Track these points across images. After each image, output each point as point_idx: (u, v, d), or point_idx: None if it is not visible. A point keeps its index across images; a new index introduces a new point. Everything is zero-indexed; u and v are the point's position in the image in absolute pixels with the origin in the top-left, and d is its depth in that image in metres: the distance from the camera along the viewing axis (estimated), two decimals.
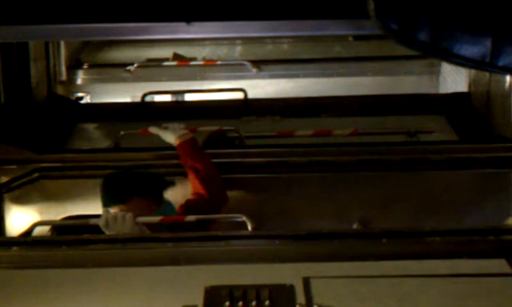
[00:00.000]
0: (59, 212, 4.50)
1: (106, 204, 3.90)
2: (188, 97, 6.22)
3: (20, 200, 4.61)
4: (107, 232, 3.67)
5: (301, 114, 5.46)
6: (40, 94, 5.59)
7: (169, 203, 4.06)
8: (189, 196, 4.22)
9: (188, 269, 2.79)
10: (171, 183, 4.15)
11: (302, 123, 5.21)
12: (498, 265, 2.73)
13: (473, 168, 4.62)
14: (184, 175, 4.34)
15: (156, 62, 6.56)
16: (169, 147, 4.42)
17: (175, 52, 6.76)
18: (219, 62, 6.53)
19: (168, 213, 3.97)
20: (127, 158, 4.63)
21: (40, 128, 5.18)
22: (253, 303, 2.43)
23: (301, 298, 2.48)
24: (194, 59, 6.68)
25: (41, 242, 3.17)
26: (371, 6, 2.44)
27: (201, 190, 4.19)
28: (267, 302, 2.43)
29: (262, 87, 6.33)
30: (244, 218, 3.66)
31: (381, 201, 4.59)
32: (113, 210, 3.81)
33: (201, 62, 6.57)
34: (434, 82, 6.42)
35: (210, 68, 6.49)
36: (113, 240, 3.07)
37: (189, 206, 4.12)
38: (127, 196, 3.91)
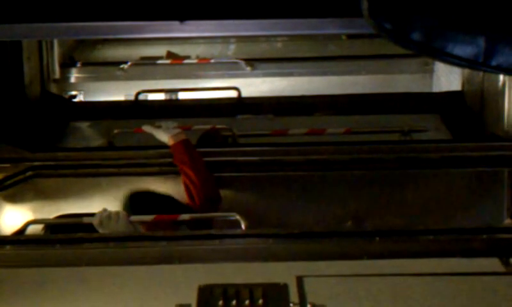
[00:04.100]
0: (53, 210, 4.49)
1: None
2: (182, 95, 6.21)
3: (14, 199, 4.60)
4: (100, 231, 3.66)
5: (294, 113, 5.46)
6: (33, 92, 5.58)
7: None
8: (183, 198, 4.22)
9: (182, 268, 2.79)
10: (186, 208, 4.15)
11: (296, 122, 5.21)
12: (491, 263, 2.74)
13: (466, 166, 4.62)
14: (178, 174, 4.33)
15: (150, 61, 6.55)
16: (163, 145, 4.42)
17: (168, 50, 6.76)
18: (213, 61, 6.53)
19: None
20: (121, 157, 4.62)
21: (33, 127, 5.17)
22: (247, 302, 2.43)
23: (294, 297, 2.48)
24: (188, 57, 6.67)
25: (34, 240, 3.16)
26: (365, 5, 2.44)
27: (194, 193, 4.19)
28: (260, 301, 2.43)
29: (255, 86, 6.33)
30: (238, 217, 3.66)
31: (375, 199, 4.59)
32: None
33: (195, 61, 6.56)
34: (427, 81, 6.42)
35: (204, 66, 6.48)
36: (107, 239, 3.06)
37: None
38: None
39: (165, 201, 4.13)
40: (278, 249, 2.91)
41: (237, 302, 2.43)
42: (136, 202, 4.04)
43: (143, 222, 3.83)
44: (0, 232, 4.54)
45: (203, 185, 4.21)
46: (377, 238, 2.93)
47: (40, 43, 5.71)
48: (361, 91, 6.03)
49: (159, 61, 6.54)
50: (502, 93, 4.85)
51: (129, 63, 6.43)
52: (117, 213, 3.71)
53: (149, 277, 2.72)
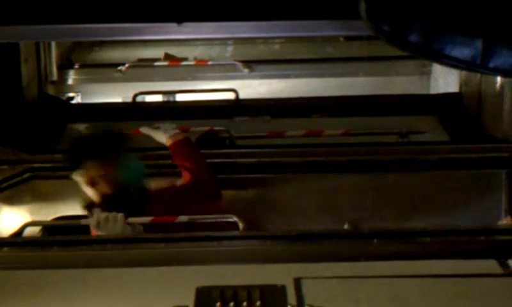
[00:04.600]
0: (50, 212, 4.49)
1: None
2: (179, 97, 6.22)
3: (11, 200, 4.60)
4: (98, 233, 3.66)
5: (292, 115, 5.47)
6: (31, 94, 5.58)
7: (135, 161, 4.06)
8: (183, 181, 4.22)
9: (179, 270, 2.79)
10: (127, 138, 4.12)
11: (293, 124, 5.21)
12: (489, 265, 2.74)
13: (464, 168, 4.63)
14: (178, 175, 4.33)
15: (147, 63, 6.56)
16: (161, 147, 4.42)
17: (166, 52, 6.76)
18: (210, 63, 6.53)
19: (137, 170, 3.96)
20: None
21: (30, 128, 5.17)
22: (244, 303, 2.42)
23: (292, 298, 2.48)
24: (185, 59, 6.68)
25: (32, 242, 3.16)
26: (363, 7, 2.44)
27: (190, 179, 4.19)
28: (258, 303, 2.43)
29: (253, 88, 6.33)
30: (235, 218, 3.65)
31: (372, 201, 4.59)
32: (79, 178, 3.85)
33: (193, 63, 6.56)
34: (425, 83, 6.43)
35: (202, 68, 6.49)
36: (104, 241, 3.06)
37: (182, 190, 4.11)
38: (80, 162, 3.89)
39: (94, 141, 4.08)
40: (276, 251, 2.91)
41: (235, 303, 2.43)
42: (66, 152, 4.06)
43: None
44: None
45: (205, 176, 4.21)
46: (375, 240, 2.93)
47: (37, 44, 5.71)
48: (359, 93, 6.03)
49: (157, 63, 6.54)
50: (499, 95, 4.86)
51: (127, 65, 6.43)
52: (114, 215, 3.71)
53: (147, 279, 2.71)
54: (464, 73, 5.48)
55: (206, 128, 4.95)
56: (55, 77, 6.17)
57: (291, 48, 6.94)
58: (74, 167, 3.89)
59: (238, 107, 5.56)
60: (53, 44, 6.04)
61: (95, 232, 3.64)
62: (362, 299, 2.51)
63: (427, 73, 6.42)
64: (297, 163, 4.62)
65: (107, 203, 3.81)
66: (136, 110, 5.59)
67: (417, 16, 2.41)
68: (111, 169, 3.88)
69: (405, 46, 2.45)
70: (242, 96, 5.70)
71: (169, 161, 4.38)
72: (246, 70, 6.38)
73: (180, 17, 2.75)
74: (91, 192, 3.86)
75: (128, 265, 2.85)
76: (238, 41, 7.07)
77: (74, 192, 4.54)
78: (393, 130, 5.08)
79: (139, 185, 3.96)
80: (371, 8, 2.43)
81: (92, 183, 3.86)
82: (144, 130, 4.46)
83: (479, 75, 5.17)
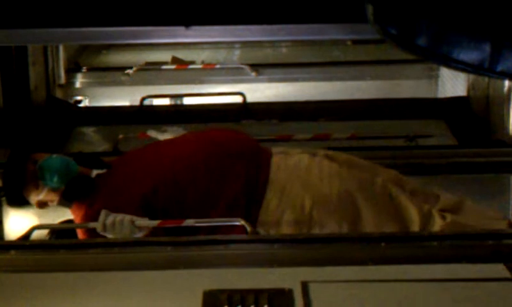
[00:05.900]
0: (58, 215, 4.49)
1: None
2: (187, 101, 6.22)
3: None
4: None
5: (299, 118, 5.47)
6: (39, 97, 5.60)
7: (51, 161, 3.78)
8: None
9: (186, 273, 2.79)
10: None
11: (301, 127, 5.21)
12: (496, 269, 2.74)
13: (471, 172, 4.61)
14: None
15: (155, 66, 6.56)
16: None
17: (173, 55, 6.77)
18: (218, 66, 6.53)
19: (59, 165, 3.78)
20: None
21: (38, 132, 5.18)
22: None
23: (299, 302, 2.48)
24: (192, 62, 6.68)
25: (39, 245, 3.16)
26: (370, 10, 2.45)
27: None
28: None
29: (261, 91, 6.33)
30: (243, 222, 3.65)
31: None
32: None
33: (200, 66, 6.56)
34: (433, 87, 6.42)
35: (209, 71, 6.49)
36: (111, 244, 3.07)
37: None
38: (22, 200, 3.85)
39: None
40: (283, 255, 2.91)
41: None
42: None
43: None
44: (5, 237, 4.55)
45: None
46: (383, 244, 2.93)
47: (45, 48, 5.72)
48: (366, 97, 6.03)
49: (164, 67, 6.54)
50: (507, 99, 4.86)
51: (134, 68, 6.44)
52: (121, 218, 3.70)
53: (154, 283, 2.72)
54: (472, 76, 5.47)
55: None
56: (63, 80, 6.18)
57: (298, 51, 6.94)
58: (25, 203, 3.86)
59: (245, 111, 5.56)
60: (61, 47, 6.05)
61: (82, 235, 3.64)
62: (369, 303, 2.51)
63: (435, 77, 6.41)
64: None
65: (65, 203, 3.81)
66: (143, 114, 5.59)
67: (425, 19, 2.41)
68: (40, 186, 3.79)
69: (413, 49, 2.45)
70: (249, 99, 5.71)
71: None
72: (254, 74, 6.38)
73: (187, 21, 2.76)
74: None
75: (136, 268, 2.85)
76: (245, 44, 7.08)
77: None
78: (400, 134, 5.06)
79: (74, 172, 3.79)
80: (379, 12, 2.43)
81: (40, 205, 3.86)
82: (152, 133, 4.46)
83: (486, 79, 5.16)
